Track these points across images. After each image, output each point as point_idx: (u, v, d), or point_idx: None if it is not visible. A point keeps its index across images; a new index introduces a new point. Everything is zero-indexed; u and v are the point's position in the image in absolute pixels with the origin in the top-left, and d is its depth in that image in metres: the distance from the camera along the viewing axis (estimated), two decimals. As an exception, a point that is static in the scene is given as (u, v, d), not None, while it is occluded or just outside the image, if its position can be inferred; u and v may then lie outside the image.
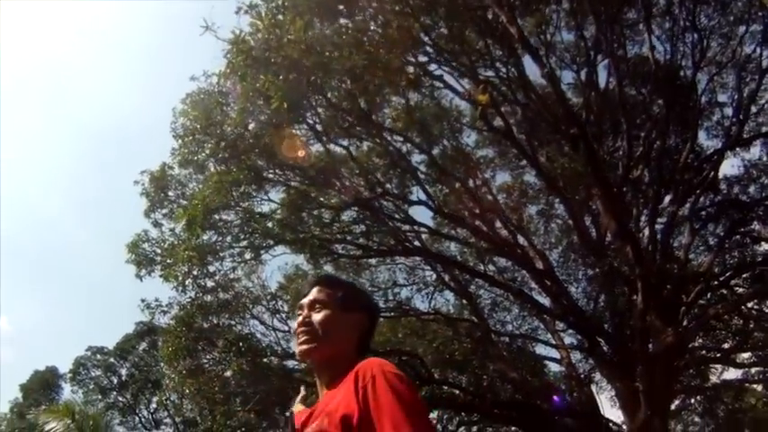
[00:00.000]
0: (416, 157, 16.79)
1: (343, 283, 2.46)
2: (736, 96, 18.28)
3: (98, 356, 35.50)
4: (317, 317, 2.23)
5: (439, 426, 22.36)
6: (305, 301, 2.30)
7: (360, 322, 2.32)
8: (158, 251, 15.48)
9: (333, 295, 2.30)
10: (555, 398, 16.25)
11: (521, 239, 17.15)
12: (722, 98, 19.14)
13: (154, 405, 35.02)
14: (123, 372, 35.52)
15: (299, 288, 14.80)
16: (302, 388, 3.18)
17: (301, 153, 13.73)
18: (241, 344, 15.67)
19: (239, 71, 11.26)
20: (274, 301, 16.62)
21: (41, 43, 61.89)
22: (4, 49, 61.66)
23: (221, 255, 15.16)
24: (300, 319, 2.25)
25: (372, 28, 12.71)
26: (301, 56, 10.49)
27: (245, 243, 15.28)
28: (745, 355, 20.03)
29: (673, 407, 18.06)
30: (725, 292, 18.97)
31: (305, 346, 2.21)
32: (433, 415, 20.95)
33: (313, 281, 2.40)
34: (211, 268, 15.30)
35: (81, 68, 59.06)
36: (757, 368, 20.26)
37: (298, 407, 2.72)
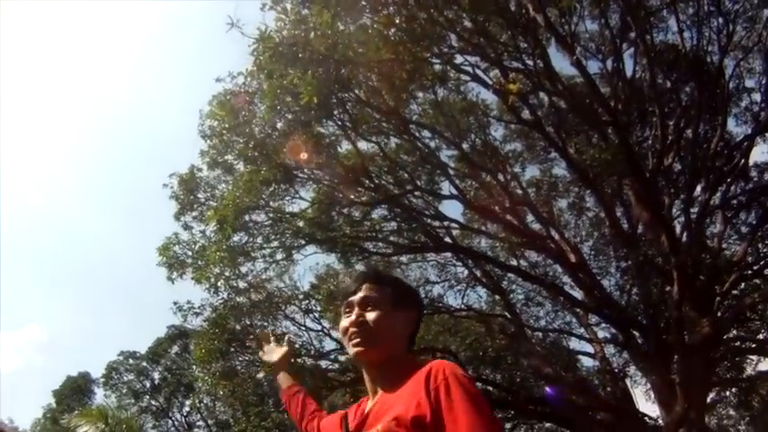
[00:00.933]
0: (444, 153, 16.75)
1: (392, 279, 2.37)
2: (764, 81, 18.06)
3: (130, 361, 35.78)
4: (370, 316, 2.15)
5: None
6: (355, 298, 2.21)
7: (412, 319, 2.28)
8: (189, 253, 15.53)
9: (384, 292, 2.22)
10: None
11: (552, 233, 17.00)
12: (750, 83, 18.91)
13: (187, 408, 35.34)
14: (156, 375, 35.76)
15: (331, 288, 14.84)
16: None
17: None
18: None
19: (266, 68, 11.24)
20: (307, 301, 16.55)
21: (69, 51, 62.63)
22: (34, 63, 62.42)
23: (253, 255, 15.18)
24: (354, 318, 2.17)
25: (397, 22, 12.62)
26: (329, 51, 10.45)
27: (275, 243, 15.30)
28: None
29: (708, 400, 17.78)
30: (759, 282, 18.73)
31: (360, 348, 2.14)
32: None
33: (361, 277, 2.30)
34: (243, 269, 15.38)
35: (111, 75, 59.60)
36: (793, 359, 20.01)
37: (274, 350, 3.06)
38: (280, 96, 11.78)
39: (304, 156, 13.19)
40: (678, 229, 16.09)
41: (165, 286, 15.19)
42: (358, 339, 2.14)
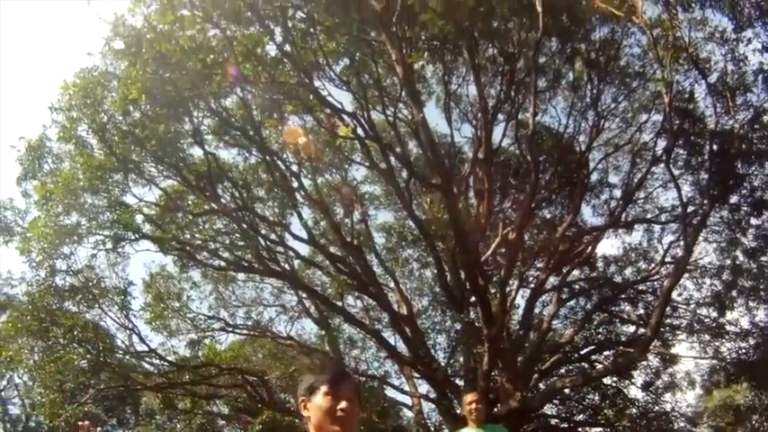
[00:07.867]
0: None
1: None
2: (626, 180, 18.81)
3: (-45, 322, 33.75)
4: (355, 411, 2.50)
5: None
6: (351, 392, 2.54)
7: None
8: (20, 222, 15.00)
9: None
10: None
11: (390, 282, 17.13)
12: (614, 179, 19.67)
13: (5, 382, 33.63)
14: (-21, 342, 33.85)
15: (160, 289, 14.35)
16: None
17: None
18: (78, 332, 15.03)
19: (117, 55, 11.01)
20: (122, 297, 15.89)
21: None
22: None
23: (80, 238, 14.67)
24: (349, 407, 2.47)
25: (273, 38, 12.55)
26: (176, 53, 10.25)
27: (107, 232, 14.85)
28: (597, 430, 20.51)
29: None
30: (585, 365, 19.40)
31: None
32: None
33: (354, 380, 2.74)
34: (66, 250, 14.79)
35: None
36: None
37: None
38: (129, 86, 11.51)
39: (155, 151, 12.87)
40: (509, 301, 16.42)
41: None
42: (351, 426, 2.47)
